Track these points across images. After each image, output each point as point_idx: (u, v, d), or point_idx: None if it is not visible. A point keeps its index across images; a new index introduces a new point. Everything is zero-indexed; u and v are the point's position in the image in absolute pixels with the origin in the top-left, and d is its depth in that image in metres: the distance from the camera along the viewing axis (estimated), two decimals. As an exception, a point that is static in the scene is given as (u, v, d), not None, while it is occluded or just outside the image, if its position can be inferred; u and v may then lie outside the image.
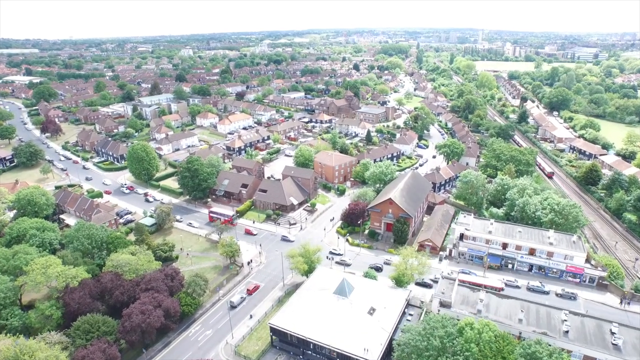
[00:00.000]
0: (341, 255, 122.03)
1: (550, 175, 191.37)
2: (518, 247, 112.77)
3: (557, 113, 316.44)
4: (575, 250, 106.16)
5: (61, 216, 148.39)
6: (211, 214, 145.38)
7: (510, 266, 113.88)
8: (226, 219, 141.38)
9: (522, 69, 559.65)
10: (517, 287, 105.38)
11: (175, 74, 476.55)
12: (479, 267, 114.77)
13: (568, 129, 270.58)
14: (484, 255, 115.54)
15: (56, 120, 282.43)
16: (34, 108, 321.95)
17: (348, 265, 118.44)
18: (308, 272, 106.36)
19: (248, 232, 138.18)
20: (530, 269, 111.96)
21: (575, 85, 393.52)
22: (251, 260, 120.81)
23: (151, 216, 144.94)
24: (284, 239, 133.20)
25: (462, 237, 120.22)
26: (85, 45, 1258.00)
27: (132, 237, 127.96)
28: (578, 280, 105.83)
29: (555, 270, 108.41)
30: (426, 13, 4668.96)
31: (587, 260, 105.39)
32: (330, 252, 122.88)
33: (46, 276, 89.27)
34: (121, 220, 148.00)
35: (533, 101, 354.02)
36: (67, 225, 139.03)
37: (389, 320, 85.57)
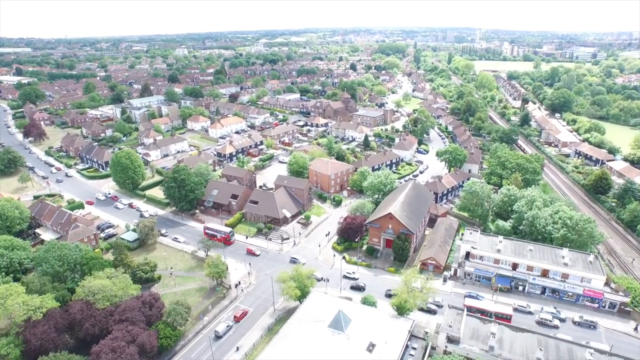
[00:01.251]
0: (357, 279, 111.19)
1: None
2: (529, 268, 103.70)
3: (559, 115, 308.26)
4: (593, 272, 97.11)
5: (37, 230, 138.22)
6: (206, 231, 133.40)
7: (521, 288, 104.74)
8: (223, 236, 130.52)
9: (521, 68, 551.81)
10: (530, 312, 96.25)
11: (168, 74, 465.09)
12: (487, 289, 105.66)
13: (571, 132, 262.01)
14: (492, 276, 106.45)
15: (41, 123, 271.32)
16: (20, 110, 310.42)
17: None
18: (301, 297, 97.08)
19: (250, 253, 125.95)
20: (543, 292, 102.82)
21: (576, 86, 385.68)
22: (239, 282, 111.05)
23: (134, 230, 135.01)
24: (293, 261, 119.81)
25: (468, 255, 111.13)
26: (80, 44, 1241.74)
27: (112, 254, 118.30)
28: (597, 305, 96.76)
29: (570, 293, 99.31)
30: (423, 12, 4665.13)
31: (607, 284, 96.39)
32: (345, 276, 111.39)
33: (4, 308, 79.35)
34: (102, 235, 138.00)
35: (534, 102, 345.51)
36: (42, 242, 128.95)
37: (391, 358, 76.16)
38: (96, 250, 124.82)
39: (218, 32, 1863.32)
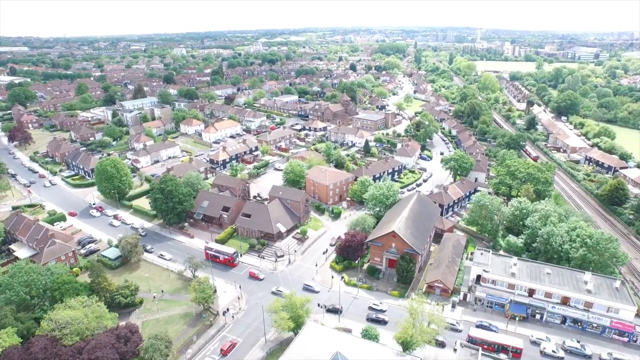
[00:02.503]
0: (384, 311, 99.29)
1: (535, 159, 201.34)
2: (548, 294, 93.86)
3: (565, 118, 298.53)
4: (621, 302, 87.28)
5: (11, 246, 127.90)
6: (208, 251, 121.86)
7: (538, 317, 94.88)
8: (226, 257, 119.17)
9: (523, 69, 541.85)
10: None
11: (165, 75, 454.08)
12: (501, 317, 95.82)
13: (579, 136, 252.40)
14: (506, 302, 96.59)
15: (29, 126, 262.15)
16: (7, 112, 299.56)
17: (332, 310, 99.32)
18: (295, 328, 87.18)
19: (253, 276, 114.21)
20: (564, 322, 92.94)
21: (581, 87, 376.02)
22: (228, 309, 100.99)
23: (116, 246, 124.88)
24: (307, 289, 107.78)
25: (478, 279, 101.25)
26: (78, 43, 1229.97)
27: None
28: (627, 339, 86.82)
29: (595, 325, 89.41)
30: (422, 11, 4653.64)
31: (638, 315, 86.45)
32: (370, 308, 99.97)
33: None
34: (82, 251, 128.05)
35: (539, 105, 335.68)
36: (16, 259, 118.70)
37: (396, 409, 66.29)
38: (74, 269, 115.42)
39: (217, 31, 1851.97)
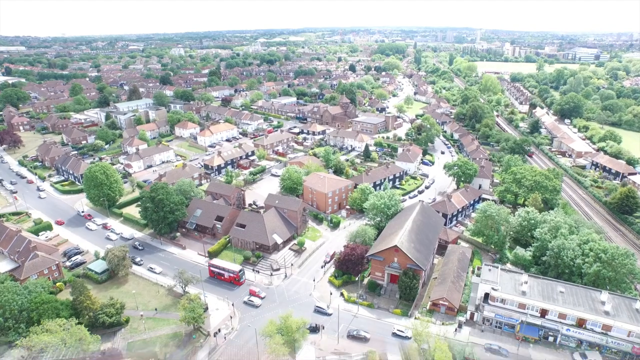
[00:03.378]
0: (409, 339, 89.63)
1: (530, 155, 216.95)
2: (562, 315, 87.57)
3: (569, 121, 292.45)
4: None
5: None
6: (212, 269, 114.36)
7: (551, 339, 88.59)
8: (231, 275, 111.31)
9: (524, 70, 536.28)
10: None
11: (161, 75, 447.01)
12: (511, 339, 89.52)
13: (584, 140, 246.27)
14: (517, 323, 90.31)
15: (20, 128, 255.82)
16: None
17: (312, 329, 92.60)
18: (292, 352, 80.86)
19: (253, 294, 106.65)
20: (580, 345, 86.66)
21: (584, 89, 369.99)
22: (219, 330, 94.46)
23: (103, 259, 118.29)
24: (319, 311, 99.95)
25: (487, 297, 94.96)
26: (76, 43, 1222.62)
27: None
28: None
29: (615, 350, 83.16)
30: (422, 12, 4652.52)
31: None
32: (394, 335, 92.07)
33: None
34: (68, 263, 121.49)
35: (542, 107, 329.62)
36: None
37: None
38: (58, 284, 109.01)
39: (216, 31, 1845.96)
